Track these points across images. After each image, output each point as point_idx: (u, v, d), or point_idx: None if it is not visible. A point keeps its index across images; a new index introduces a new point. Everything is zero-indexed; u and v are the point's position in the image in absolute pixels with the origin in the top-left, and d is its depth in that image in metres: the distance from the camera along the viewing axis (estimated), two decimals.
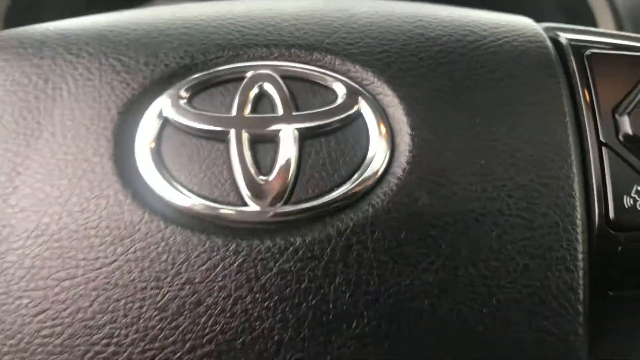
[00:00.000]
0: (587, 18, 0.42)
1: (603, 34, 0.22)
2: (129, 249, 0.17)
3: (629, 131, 0.19)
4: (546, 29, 0.22)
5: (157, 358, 0.17)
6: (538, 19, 0.25)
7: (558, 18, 0.45)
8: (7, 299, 0.18)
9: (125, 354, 0.17)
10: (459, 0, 0.54)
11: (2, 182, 0.18)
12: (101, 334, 0.17)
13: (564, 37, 0.21)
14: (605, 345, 0.21)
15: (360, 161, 0.18)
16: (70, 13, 0.50)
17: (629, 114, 0.19)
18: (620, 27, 0.41)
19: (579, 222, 0.18)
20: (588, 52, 0.20)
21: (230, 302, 0.17)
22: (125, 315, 0.17)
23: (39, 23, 0.46)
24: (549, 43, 0.20)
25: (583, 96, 0.19)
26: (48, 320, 0.17)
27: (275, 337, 0.17)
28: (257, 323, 0.17)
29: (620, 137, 0.19)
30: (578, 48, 0.20)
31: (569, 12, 0.44)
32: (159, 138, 0.19)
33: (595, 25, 0.41)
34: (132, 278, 0.17)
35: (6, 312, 0.17)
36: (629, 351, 0.23)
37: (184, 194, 0.18)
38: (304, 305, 0.17)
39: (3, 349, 0.17)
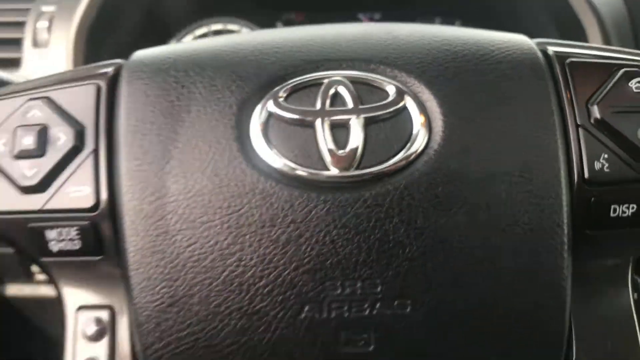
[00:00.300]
0: (578, 33, 0.49)
1: (581, 47, 0.30)
2: (251, 200, 0.25)
3: (598, 116, 0.26)
4: (538, 44, 0.29)
5: (272, 274, 0.25)
6: (536, 35, 0.33)
7: (553, 33, 0.53)
8: (167, 236, 0.25)
9: (251, 271, 0.25)
10: (470, 18, 0.62)
11: (159, 157, 0.26)
12: (233, 259, 0.25)
13: (551, 49, 0.29)
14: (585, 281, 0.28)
15: (407, 140, 0.26)
16: (134, 31, 0.59)
17: (597, 104, 0.26)
18: (607, 41, 0.48)
19: (563, 179, 0.26)
20: (568, 60, 0.28)
21: (321, 235, 0.25)
22: (250, 245, 0.25)
23: (113, 37, 0.58)
24: (539, 54, 0.28)
25: (565, 92, 0.27)
26: (196, 250, 0.25)
27: (353, 259, 0.25)
28: (341, 249, 0.25)
29: (592, 121, 0.26)
30: (561, 57, 0.28)
31: (562, 29, 0.52)
32: (266, 126, 0.26)
33: (586, 38, 0.49)
34: (254, 220, 0.25)
35: (167, 245, 0.25)
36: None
37: (286, 163, 0.26)
38: (371, 237, 0.25)
39: (165, 271, 0.25)
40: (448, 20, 0.63)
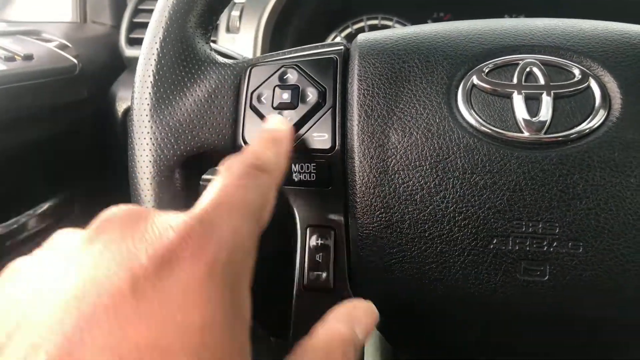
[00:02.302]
0: None
1: None
2: (456, 152, 0.32)
3: None
4: None
5: (469, 211, 0.31)
6: None
7: None
8: (387, 174, 0.33)
9: (452, 207, 0.32)
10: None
11: (384, 114, 0.33)
12: (438, 197, 0.32)
13: None
14: None
15: (589, 113, 0.32)
16: (306, 24, 0.68)
17: None
18: None
19: None
20: None
21: (512, 184, 0.31)
22: (453, 187, 0.32)
23: (289, 28, 0.67)
24: None
25: None
26: (409, 187, 0.32)
27: (537, 205, 0.31)
28: (528, 196, 0.31)
29: None
30: None
31: None
32: (469, 94, 0.33)
33: None
34: (457, 167, 0.32)
35: (386, 181, 0.33)
36: None
37: (489, 125, 0.32)
38: (554, 188, 0.31)
39: (384, 201, 0.33)
40: None
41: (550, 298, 0.31)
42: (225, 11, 0.65)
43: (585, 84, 0.32)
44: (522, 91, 0.32)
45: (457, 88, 0.33)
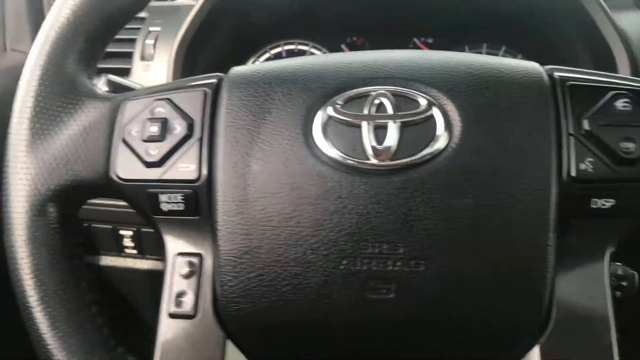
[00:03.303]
0: (609, 63, 0.55)
1: (584, 72, 0.36)
2: (310, 179, 0.34)
3: (587, 128, 0.33)
4: (548, 69, 0.36)
5: (320, 234, 0.33)
6: (573, 65, 0.40)
7: (587, 61, 0.58)
8: (247, 202, 0.34)
9: (305, 232, 0.33)
10: (514, 45, 0.69)
11: (246, 145, 0.35)
12: (293, 222, 0.33)
13: (556, 74, 0.36)
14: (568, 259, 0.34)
15: (431, 140, 0.34)
16: (222, 50, 0.69)
17: (587, 118, 0.33)
18: (635, 71, 0.53)
19: (553, 176, 0.33)
20: (568, 83, 0.35)
21: (360, 208, 0.33)
22: (306, 212, 0.33)
23: (204, 55, 0.69)
24: (545, 78, 0.35)
25: (563, 108, 0.34)
26: (267, 214, 0.34)
27: (382, 227, 0.33)
28: (374, 219, 0.33)
29: (582, 132, 0.33)
30: (563, 80, 0.35)
31: (596, 58, 0.58)
32: (325, 125, 0.35)
33: (616, 68, 0.54)
34: (311, 194, 0.33)
35: (246, 208, 0.34)
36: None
37: (338, 153, 0.34)
38: (398, 211, 0.33)
39: (244, 228, 0.34)
40: (494, 45, 0.70)
41: (398, 314, 0.33)
42: (140, 39, 0.67)
43: (429, 113, 0.34)
44: (371, 121, 0.34)
45: (314, 119, 0.35)
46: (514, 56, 0.69)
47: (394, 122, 0.34)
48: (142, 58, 0.66)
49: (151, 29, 0.68)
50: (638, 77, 0.46)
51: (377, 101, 0.35)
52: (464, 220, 0.33)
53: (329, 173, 0.34)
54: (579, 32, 0.60)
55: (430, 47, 0.72)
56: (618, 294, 0.38)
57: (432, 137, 0.34)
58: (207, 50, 0.66)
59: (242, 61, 0.73)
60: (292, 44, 0.74)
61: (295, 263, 0.33)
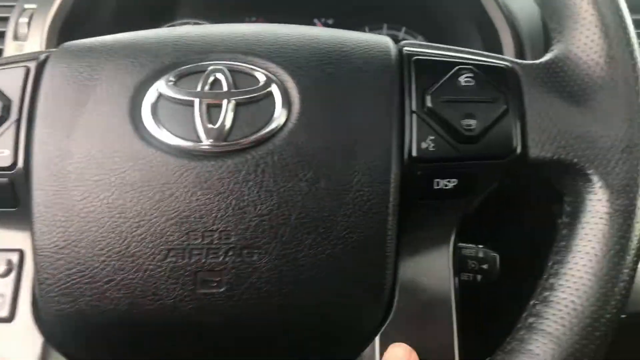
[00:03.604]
0: (495, 42, 0.54)
1: (434, 47, 0.34)
2: (135, 164, 0.31)
3: (429, 104, 0.31)
4: (401, 45, 0.34)
5: (145, 225, 0.30)
6: (459, 41, 0.38)
7: (476, 40, 0.57)
8: (66, 191, 0.31)
9: (129, 222, 0.30)
10: (413, 26, 0.67)
11: (66, 126, 0.32)
12: (116, 211, 0.30)
13: (405, 49, 0.34)
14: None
15: (269, 119, 0.31)
16: (105, 27, 0.65)
17: (430, 94, 0.31)
18: (519, 49, 0.53)
19: (393, 155, 0.31)
20: (414, 58, 0.33)
21: (189, 195, 0.30)
22: (130, 201, 0.30)
23: (81, 34, 0.64)
24: (392, 53, 0.33)
25: (408, 84, 0.32)
26: (88, 203, 0.31)
27: (212, 215, 0.30)
28: (203, 207, 0.30)
29: (424, 109, 0.31)
30: (410, 55, 0.33)
31: (483, 37, 0.57)
32: (155, 105, 0.32)
33: (501, 48, 0.53)
34: (135, 180, 0.30)
35: (65, 198, 0.31)
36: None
37: (167, 134, 0.31)
38: (229, 197, 0.30)
39: (62, 219, 0.31)
40: (394, 27, 0.68)
41: (230, 309, 0.30)
42: (13, 17, 0.61)
43: (267, 90, 0.32)
44: (204, 99, 0.31)
45: (143, 97, 0.32)
46: (414, 37, 0.68)
47: (228, 100, 0.31)
48: (15, 38, 0.61)
49: (26, 6, 0.62)
50: (523, 59, 0.45)
51: (212, 78, 0.32)
52: (299, 205, 0.30)
53: (156, 157, 0.31)
54: (470, 15, 0.59)
55: (330, 27, 0.69)
56: (479, 277, 0.37)
57: (270, 117, 0.31)
58: (87, 29, 0.61)
59: None
60: (188, 23, 0.70)
61: (118, 257, 0.30)
